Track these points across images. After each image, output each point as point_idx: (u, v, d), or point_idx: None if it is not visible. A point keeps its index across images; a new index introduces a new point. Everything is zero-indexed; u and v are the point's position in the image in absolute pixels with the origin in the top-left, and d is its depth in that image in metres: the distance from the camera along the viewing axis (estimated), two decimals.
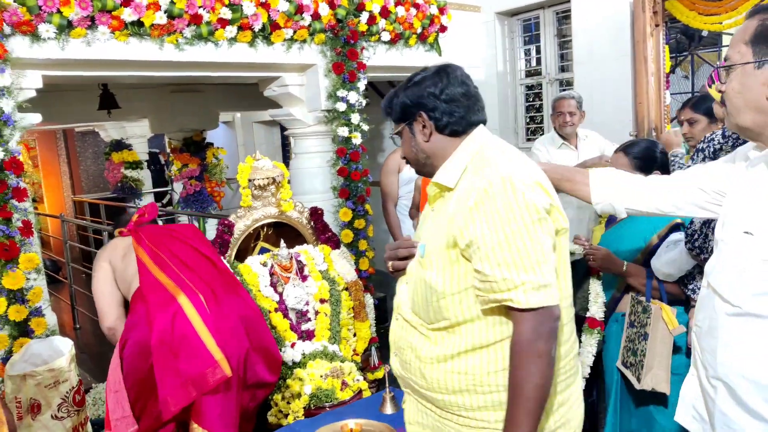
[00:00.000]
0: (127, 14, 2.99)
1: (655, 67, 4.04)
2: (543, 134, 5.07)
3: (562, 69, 4.91)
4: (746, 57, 1.13)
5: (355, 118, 3.97)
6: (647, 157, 2.09)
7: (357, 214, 4.02)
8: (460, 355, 1.25)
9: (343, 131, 3.95)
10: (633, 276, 2.13)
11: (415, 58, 4.54)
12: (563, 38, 4.90)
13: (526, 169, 1.25)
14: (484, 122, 1.40)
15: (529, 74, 5.20)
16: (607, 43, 4.28)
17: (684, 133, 2.59)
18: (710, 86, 1.80)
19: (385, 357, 3.73)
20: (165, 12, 3.10)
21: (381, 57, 4.26)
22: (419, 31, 4.40)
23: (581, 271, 2.37)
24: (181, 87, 5.55)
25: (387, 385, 2.12)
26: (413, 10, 4.29)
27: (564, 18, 4.82)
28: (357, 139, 3.99)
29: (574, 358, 1.33)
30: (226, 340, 2.03)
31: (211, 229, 5.94)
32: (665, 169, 2.10)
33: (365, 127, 4.06)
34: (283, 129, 8.78)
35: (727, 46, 4.04)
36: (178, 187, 5.78)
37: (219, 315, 2.12)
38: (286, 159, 8.92)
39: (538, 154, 3.49)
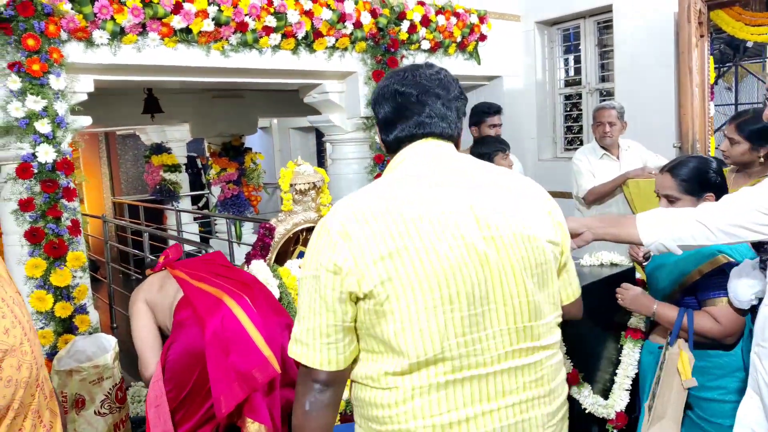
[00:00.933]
0: (177, 21, 3.08)
1: (700, 78, 3.96)
2: (582, 144, 5.02)
3: (602, 79, 4.85)
4: None
5: None
6: (697, 179, 1.87)
7: None
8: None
9: None
10: (661, 318, 1.94)
11: (455, 66, 4.54)
12: (604, 48, 4.84)
13: (343, 215, 1.10)
14: (435, 133, 1.21)
15: (568, 84, 5.15)
16: (650, 53, 4.21)
17: (723, 150, 2.47)
18: None
19: None
20: (212, 20, 3.18)
21: None
22: (459, 40, 4.41)
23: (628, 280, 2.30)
24: (222, 93, 5.66)
25: None
26: (453, 19, 4.30)
27: (604, 28, 4.77)
28: None
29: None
30: (273, 338, 2.05)
31: (248, 233, 6.04)
32: (721, 191, 1.87)
33: None
34: (319, 135, 8.88)
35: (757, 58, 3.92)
36: (215, 190, 5.89)
37: (263, 314, 2.15)
38: (322, 164, 9.01)
39: (580, 165, 3.44)
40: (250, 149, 5.98)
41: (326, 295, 1.09)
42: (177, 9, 3.06)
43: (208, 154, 5.97)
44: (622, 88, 4.39)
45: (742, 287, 1.66)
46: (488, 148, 3.17)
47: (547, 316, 1.15)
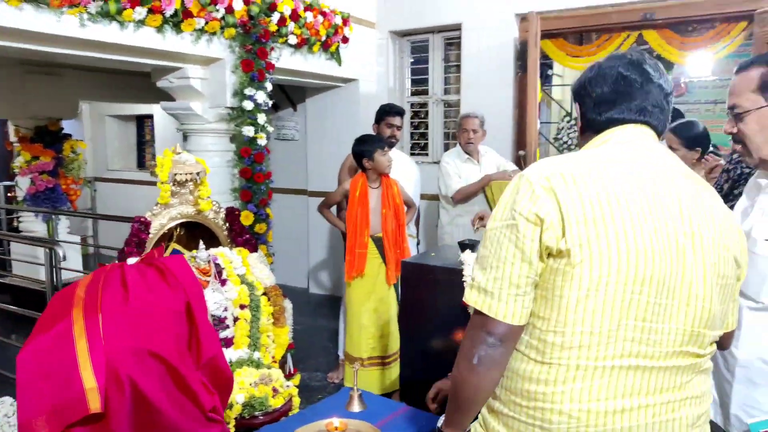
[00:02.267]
0: None
1: (534, 96, 4.55)
2: (427, 149, 5.39)
3: (446, 91, 5.27)
4: (759, 102, 1.38)
5: (262, 118, 3.85)
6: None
7: (258, 218, 3.87)
8: None
9: (249, 131, 3.80)
10: None
11: (317, 65, 4.55)
12: (448, 63, 5.27)
13: (550, 172, 1.09)
14: (647, 123, 1.21)
15: (415, 93, 5.48)
16: (493, 71, 4.71)
17: None
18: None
19: (299, 358, 3.65)
20: None
21: (286, 60, 4.20)
22: (323, 39, 4.42)
23: None
24: (37, 68, 4.85)
25: (355, 384, 2.10)
26: (320, 18, 4.30)
27: (449, 44, 5.19)
28: (263, 140, 3.86)
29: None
30: (113, 366, 1.76)
31: (63, 233, 5.25)
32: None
33: (270, 128, 3.95)
34: (140, 125, 8.07)
35: (558, 83, 4.66)
36: (23, 182, 5.00)
37: (112, 337, 1.84)
38: (142, 158, 8.20)
39: (448, 168, 3.71)
40: (70, 136, 5.20)
41: (524, 245, 1.07)
42: None
43: (14, 139, 5.05)
44: (467, 101, 4.83)
45: None
46: (369, 146, 3.26)
47: (717, 330, 1.15)
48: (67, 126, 5.45)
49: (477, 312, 1.12)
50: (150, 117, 7.56)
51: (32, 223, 5.09)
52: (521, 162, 4.31)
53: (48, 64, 4.85)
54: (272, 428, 1.96)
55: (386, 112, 3.68)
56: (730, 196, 1.86)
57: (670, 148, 2.69)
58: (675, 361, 1.10)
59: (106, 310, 1.85)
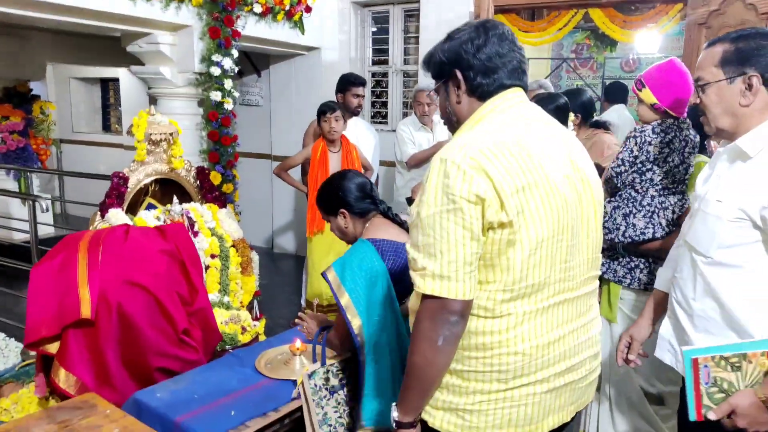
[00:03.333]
0: None
1: None
2: (387, 118, 5.69)
3: (406, 62, 5.54)
4: (718, 76, 1.46)
5: (228, 83, 4.08)
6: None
7: (226, 178, 4.13)
8: None
9: (216, 96, 4.03)
10: None
11: (281, 33, 4.76)
12: (407, 34, 5.53)
13: (474, 151, 1.14)
14: (522, 87, 1.31)
15: (376, 63, 5.73)
16: None
17: None
18: (639, 90, 2.13)
19: (264, 309, 3.96)
20: None
21: (251, 28, 4.40)
22: (287, 8, 4.63)
23: None
24: (2, 29, 4.91)
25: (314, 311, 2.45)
26: None
27: (409, 16, 5.45)
28: (229, 105, 4.10)
29: (525, 354, 1.21)
30: (105, 288, 2.07)
31: (35, 190, 5.38)
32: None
33: (237, 94, 4.19)
34: (104, 88, 8.10)
35: None
36: None
37: (106, 267, 2.16)
38: (107, 121, 8.24)
39: (403, 135, 4.02)
40: (39, 97, 5.30)
41: (472, 225, 1.13)
42: None
43: None
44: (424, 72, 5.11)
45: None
46: (320, 112, 3.58)
47: (600, 250, 1.36)
48: (33, 88, 5.53)
49: (431, 296, 1.16)
50: (115, 80, 7.60)
51: (3, 182, 5.21)
52: None
53: (14, 26, 4.91)
54: (242, 351, 2.29)
55: (351, 82, 3.92)
56: (660, 161, 2.05)
57: None
58: (585, 288, 1.31)
59: (106, 245, 2.17)
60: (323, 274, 1.82)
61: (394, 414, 1.29)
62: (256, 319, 3.48)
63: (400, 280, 1.82)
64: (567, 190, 1.21)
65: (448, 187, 1.13)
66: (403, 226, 2.08)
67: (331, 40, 5.41)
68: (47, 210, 3.32)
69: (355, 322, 1.74)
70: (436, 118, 4.16)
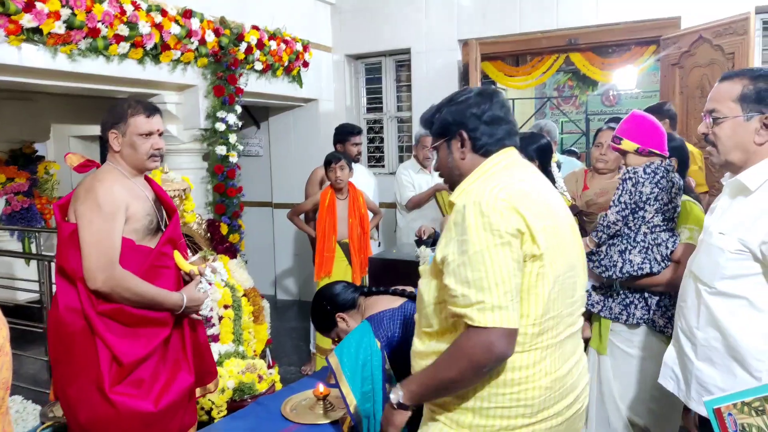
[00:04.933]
0: (27, 20, 2.93)
1: None
2: (383, 161, 5.87)
3: (399, 108, 5.77)
4: (736, 112, 1.48)
5: (233, 137, 4.25)
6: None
7: (232, 228, 4.25)
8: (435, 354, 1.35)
9: (221, 150, 4.19)
10: None
11: (281, 87, 4.97)
12: (400, 83, 5.77)
13: (503, 194, 1.26)
14: (515, 147, 1.46)
15: (370, 110, 5.96)
16: (441, 90, 5.21)
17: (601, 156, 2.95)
18: (619, 144, 2.20)
19: (277, 357, 4.02)
20: (64, 22, 3.10)
21: (252, 84, 4.60)
22: (286, 64, 4.85)
23: None
24: (11, 94, 5.08)
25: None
26: (283, 45, 4.73)
27: (400, 66, 5.70)
28: (234, 158, 4.26)
29: (544, 390, 1.29)
30: None
31: (40, 248, 5.44)
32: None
33: (240, 147, 4.35)
34: (103, 145, 8.24)
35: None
36: None
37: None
38: None
39: (402, 178, 4.20)
40: (43, 157, 5.44)
41: (519, 257, 1.24)
42: (29, 7, 2.93)
43: None
44: (418, 117, 5.32)
45: None
46: (326, 163, 3.76)
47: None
48: (37, 148, 5.66)
49: (480, 327, 1.21)
50: None
51: (7, 243, 5.28)
52: None
53: (22, 90, 5.08)
54: (264, 399, 2.36)
55: (350, 132, 4.16)
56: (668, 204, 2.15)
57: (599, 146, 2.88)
58: (579, 323, 1.43)
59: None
60: (327, 360, 1.94)
61: (399, 394, 1.39)
62: (270, 367, 3.55)
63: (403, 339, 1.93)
64: (569, 233, 1.38)
65: (491, 225, 1.22)
66: (387, 292, 2.18)
67: (328, 91, 5.64)
68: None
69: (352, 403, 1.86)
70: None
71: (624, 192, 2.22)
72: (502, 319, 1.21)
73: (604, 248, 2.27)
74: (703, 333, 1.56)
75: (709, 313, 1.54)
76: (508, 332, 1.22)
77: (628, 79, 7.03)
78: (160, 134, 2.15)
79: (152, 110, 2.14)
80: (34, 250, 5.33)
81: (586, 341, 2.23)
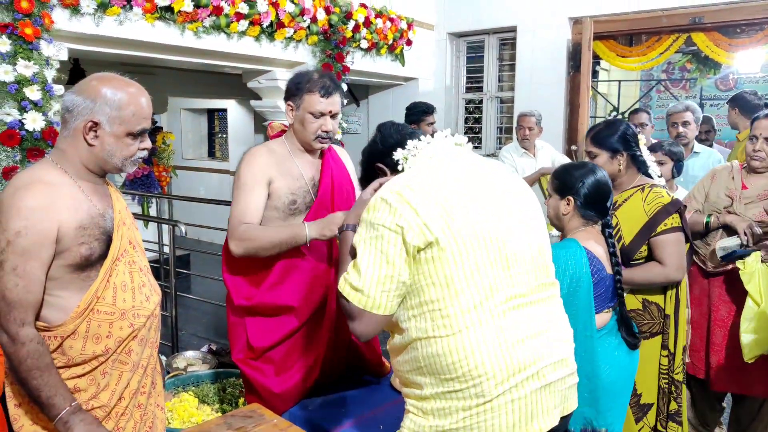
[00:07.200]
0: None
1: (586, 95, 4.89)
2: (480, 143, 5.79)
3: (500, 88, 5.65)
4: None
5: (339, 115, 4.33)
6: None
7: None
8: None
9: None
10: None
11: (383, 65, 5.01)
12: (502, 62, 5.64)
13: (400, 186, 1.32)
14: None
15: (469, 90, 5.87)
16: (546, 71, 5.06)
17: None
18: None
19: None
20: (192, 1, 3.28)
21: (357, 62, 4.66)
22: (390, 42, 4.87)
23: None
24: (134, 69, 5.46)
25: None
26: (389, 23, 4.75)
27: (503, 44, 5.56)
28: (339, 135, 4.36)
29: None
30: None
31: (154, 212, 5.89)
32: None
33: (345, 125, 4.45)
34: (210, 118, 8.73)
35: (604, 79, 4.97)
36: None
37: None
38: (212, 148, 8.86)
39: (505, 161, 4.13)
40: (162, 128, 5.84)
41: (397, 249, 1.32)
42: None
43: None
44: (521, 98, 5.20)
45: None
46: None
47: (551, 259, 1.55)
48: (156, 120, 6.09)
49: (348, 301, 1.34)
50: (222, 110, 8.18)
51: (129, 207, 5.74)
52: (573, 155, 4.68)
53: (144, 65, 5.45)
54: None
55: (425, 112, 3.87)
56: None
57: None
58: (539, 293, 1.41)
59: None
60: None
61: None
62: None
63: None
64: (501, 208, 1.36)
65: (374, 219, 1.36)
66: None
67: (428, 70, 5.62)
68: (185, 234, 3.65)
69: None
70: (539, 143, 4.22)
71: None
72: (360, 301, 1.30)
73: None
74: None
75: None
76: (370, 315, 1.30)
77: (753, 62, 6.47)
78: (333, 116, 2.04)
79: (329, 90, 2.01)
80: (153, 214, 5.77)
81: None
